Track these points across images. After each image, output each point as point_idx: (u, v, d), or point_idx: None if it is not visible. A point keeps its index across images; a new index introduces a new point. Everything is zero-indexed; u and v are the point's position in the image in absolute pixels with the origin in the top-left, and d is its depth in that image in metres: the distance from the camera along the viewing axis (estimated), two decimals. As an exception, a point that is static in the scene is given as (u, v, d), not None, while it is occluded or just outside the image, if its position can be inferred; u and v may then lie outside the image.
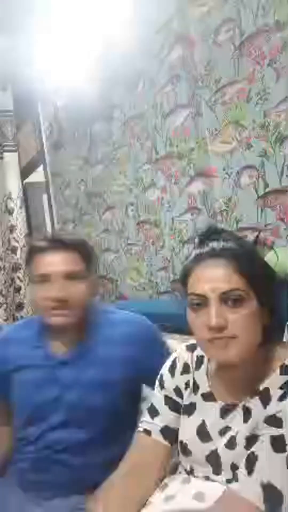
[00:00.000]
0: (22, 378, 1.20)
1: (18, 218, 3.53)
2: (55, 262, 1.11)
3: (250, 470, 0.72)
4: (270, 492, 0.69)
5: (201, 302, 0.81)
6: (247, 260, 0.82)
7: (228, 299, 0.79)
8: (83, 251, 1.16)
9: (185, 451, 0.91)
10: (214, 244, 0.84)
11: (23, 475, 1.19)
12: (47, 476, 1.15)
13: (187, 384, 0.96)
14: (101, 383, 1.12)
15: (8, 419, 1.27)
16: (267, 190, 1.43)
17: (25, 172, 3.84)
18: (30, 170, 3.75)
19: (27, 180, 3.95)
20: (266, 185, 1.43)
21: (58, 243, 1.13)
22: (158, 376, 1.02)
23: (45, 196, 3.38)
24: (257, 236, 0.89)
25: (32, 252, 1.16)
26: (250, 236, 1.43)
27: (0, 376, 1.25)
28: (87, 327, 1.20)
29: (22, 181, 3.66)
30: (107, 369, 1.12)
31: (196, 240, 0.89)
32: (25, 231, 3.56)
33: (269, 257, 0.90)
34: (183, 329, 1.19)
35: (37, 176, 3.62)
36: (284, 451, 0.70)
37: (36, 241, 1.19)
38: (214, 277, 0.80)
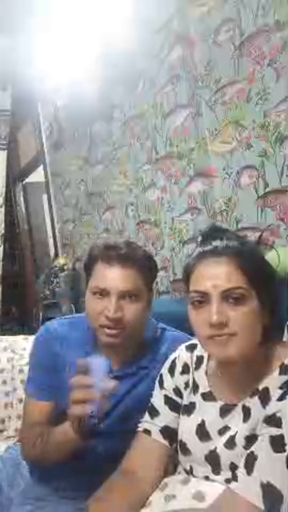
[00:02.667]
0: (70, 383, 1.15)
1: None
2: (117, 278, 1.04)
3: (249, 469, 0.72)
4: (270, 492, 0.69)
5: (203, 299, 0.81)
6: (249, 259, 0.82)
7: (230, 296, 0.79)
8: (147, 268, 1.10)
9: (185, 450, 0.91)
10: (217, 243, 0.84)
11: (46, 467, 1.15)
12: (68, 476, 1.12)
13: (186, 384, 0.96)
14: (149, 400, 1.05)
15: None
16: (267, 190, 1.43)
17: (24, 172, 3.85)
18: (30, 170, 3.75)
19: (27, 180, 3.96)
20: (266, 185, 1.43)
21: (125, 258, 1.05)
22: (158, 376, 1.02)
23: (45, 196, 3.38)
24: (260, 236, 0.90)
25: (96, 260, 1.09)
26: (251, 236, 1.44)
27: (52, 373, 1.15)
28: (143, 342, 1.14)
29: (7, 179, 3.64)
30: None
31: (199, 238, 0.89)
32: (1, 231, 3.54)
33: (270, 257, 0.90)
34: (182, 328, 1.20)
35: (37, 176, 3.63)
36: (284, 451, 0.69)
37: (101, 248, 1.08)
38: (216, 275, 0.81)
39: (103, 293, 1.05)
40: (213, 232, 0.89)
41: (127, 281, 1.05)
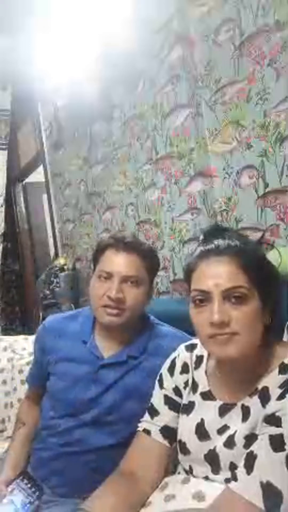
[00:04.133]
0: (63, 370, 1.21)
1: None
2: (122, 263, 1.14)
3: (249, 469, 0.72)
4: (270, 491, 0.69)
5: (204, 298, 0.81)
6: (252, 258, 0.83)
7: (231, 296, 0.79)
8: (150, 260, 1.19)
9: (184, 450, 0.91)
10: (219, 242, 0.85)
11: (41, 465, 1.19)
12: (63, 472, 1.15)
13: (186, 384, 0.96)
14: (139, 391, 1.10)
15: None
16: (267, 190, 1.43)
17: (24, 172, 3.84)
18: (30, 170, 3.75)
19: (27, 180, 3.96)
20: (266, 185, 1.43)
21: (130, 246, 1.15)
22: (158, 376, 1.02)
23: (45, 196, 3.38)
24: (262, 236, 0.90)
25: (104, 249, 1.18)
26: (251, 236, 1.44)
27: (41, 366, 1.28)
28: (136, 333, 1.20)
29: (9, 180, 3.65)
30: (148, 379, 1.08)
31: (201, 237, 0.89)
32: (1, 230, 3.56)
33: (271, 256, 0.90)
34: (182, 328, 1.20)
35: (37, 176, 3.63)
36: (283, 450, 0.69)
37: (110, 239, 1.19)
38: (218, 274, 0.81)
39: (107, 276, 1.14)
40: (215, 231, 0.89)
41: (130, 267, 1.14)
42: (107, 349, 1.20)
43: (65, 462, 1.15)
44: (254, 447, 0.74)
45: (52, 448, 1.17)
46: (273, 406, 0.75)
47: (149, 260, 1.18)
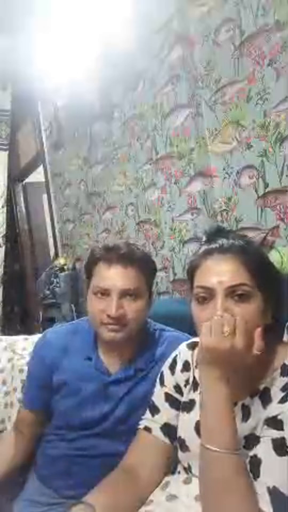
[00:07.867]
0: (70, 389, 1.16)
1: (0, 217, 3.52)
2: (118, 277, 1.07)
3: (255, 474, 0.72)
4: (277, 497, 0.68)
5: (208, 296, 0.82)
6: (255, 257, 0.83)
7: (234, 293, 0.80)
8: (147, 268, 1.13)
9: (183, 447, 0.91)
10: (223, 241, 0.86)
11: (46, 464, 1.18)
12: (69, 473, 1.13)
13: (187, 382, 0.96)
14: (148, 399, 1.06)
15: (37, 429, 1.23)
16: (267, 190, 1.43)
17: (24, 172, 3.85)
18: (30, 170, 3.75)
19: (27, 180, 3.96)
20: (266, 185, 1.43)
21: (125, 258, 1.08)
22: (159, 374, 1.03)
23: (45, 196, 3.38)
24: (265, 238, 0.90)
25: (96, 261, 1.12)
26: (251, 236, 1.44)
27: (44, 384, 1.19)
28: (141, 343, 1.16)
29: (9, 180, 3.65)
30: None
31: (204, 237, 0.90)
32: (3, 230, 3.55)
33: (272, 257, 0.91)
34: (182, 328, 1.20)
35: (37, 176, 3.63)
36: (286, 453, 0.69)
37: (102, 250, 1.11)
38: (222, 271, 0.81)
39: (104, 292, 1.08)
40: (218, 232, 0.91)
41: (128, 280, 1.08)
42: (113, 364, 1.16)
43: (72, 464, 1.13)
44: (258, 451, 0.74)
45: (60, 448, 1.16)
46: (274, 408, 0.75)
47: (146, 268, 1.12)
